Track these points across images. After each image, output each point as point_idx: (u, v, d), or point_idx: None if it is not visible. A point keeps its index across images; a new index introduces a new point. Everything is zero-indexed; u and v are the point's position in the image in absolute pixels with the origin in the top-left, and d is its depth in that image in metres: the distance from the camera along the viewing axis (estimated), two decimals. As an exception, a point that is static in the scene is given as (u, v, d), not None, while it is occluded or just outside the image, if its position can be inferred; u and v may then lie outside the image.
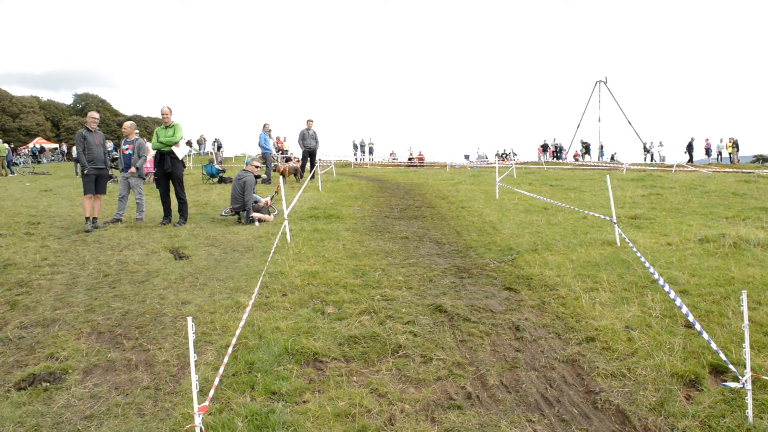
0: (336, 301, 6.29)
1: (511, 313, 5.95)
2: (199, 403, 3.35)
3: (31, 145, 55.06)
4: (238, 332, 4.71)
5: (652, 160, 45.86)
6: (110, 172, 13.10)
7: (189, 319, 3.45)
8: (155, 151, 11.86)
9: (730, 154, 41.35)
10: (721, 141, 42.38)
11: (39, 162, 48.11)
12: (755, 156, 48.51)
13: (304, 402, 4.16)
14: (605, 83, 56.47)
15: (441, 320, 5.73)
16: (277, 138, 30.63)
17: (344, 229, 10.72)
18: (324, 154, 30.78)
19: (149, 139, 16.92)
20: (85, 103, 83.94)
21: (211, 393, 3.72)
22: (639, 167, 33.50)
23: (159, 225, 11.39)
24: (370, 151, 49.27)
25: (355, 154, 48.28)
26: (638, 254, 6.60)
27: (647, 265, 6.03)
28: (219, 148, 45.16)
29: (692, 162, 40.40)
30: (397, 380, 4.54)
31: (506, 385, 4.45)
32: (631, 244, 7.34)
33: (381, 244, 9.41)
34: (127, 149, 12.41)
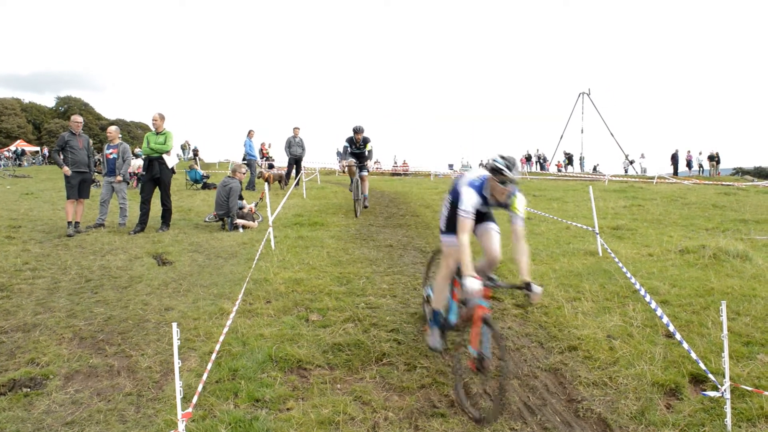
0: (320, 309, 6.29)
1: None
2: (182, 410, 3.34)
3: (12, 147, 54.43)
4: (221, 339, 4.71)
5: (626, 172, 46.40)
6: (93, 177, 12.97)
7: (174, 325, 3.45)
8: (145, 156, 11.78)
9: (709, 167, 41.87)
10: (701, 154, 42.94)
11: (20, 165, 47.57)
12: (735, 169, 49.20)
13: (287, 409, 4.16)
14: (588, 95, 57.06)
15: (425, 328, 5.75)
16: (262, 144, 30.53)
17: (329, 237, 10.72)
18: (309, 161, 30.71)
19: (133, 144, 16.75)
20: (68, 106, 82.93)
21: (195, 400, 3.71)
22: (621, 178, 33.84)
23: (131, 234, 11.06)
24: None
25: (339, 162, 48.31)
26: (620, 265, 6.68)
27: (629, 275, 6.11)
28: (195, 154, 44.72)
29: (676, 174, 40.88)
30: (381, 388, 4.56)
31: (489, 393, 4.48)
32: (613, 255, 7.43)
33: (365, 251, 9.41)
34: (111, 153, 12.32)
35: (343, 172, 15.54)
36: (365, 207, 14.46)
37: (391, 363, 4.97)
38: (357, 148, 13.82)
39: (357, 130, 13.66)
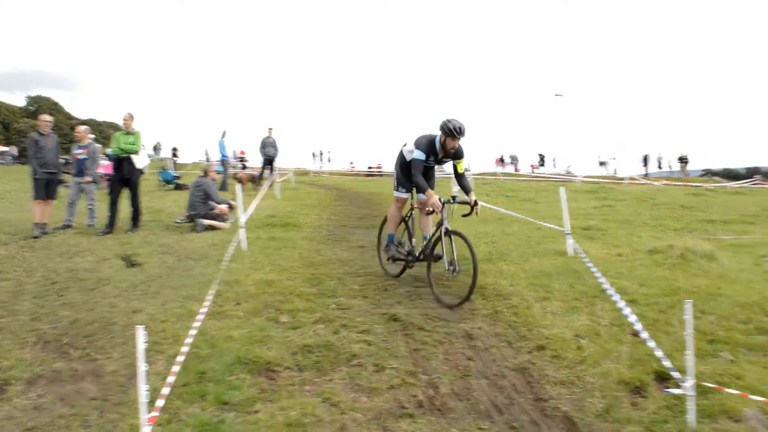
0: (291, 310, 6.25)
1: (464, 321, 6.01)
2: (147, 414, 3.30)
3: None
4: (189, 341, 4.65)
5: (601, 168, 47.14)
6: (61, 177, 12.76)
7: (139, 327, 3.40)
8: (114, 156, 11.65)
9: (679, 168, 42.65)
10: (670, 155, 43.74)
11: (-13, 165, 46.58)
12: (704, 170, 50.14)
13: (255, 412, 4.12)
14: (562, 96, 57.70)
15: (395, 329, 5.76)
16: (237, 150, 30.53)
17: (301, 238, 10.68)
18: (283, 162, 30.55)
19: (105, 145, 16.53)
20: (38, 105, 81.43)
21: (161, 403, 3.66)
22: (593, 179, 34.22)
23: (99, 235, 10.90)
24: (328, 161, 49.59)
25: (314, 163, 48.42)
26: (589, 264, 6.75)
27: (598, 275, 6.17)
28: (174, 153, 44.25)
29: (647, 175, 41.55)
30: (349, 389, 4.54)
31: (458, 393, 4.49)
32: (583, 255, 7.50)
33: (338, 252, 9.40)
34: (80, 154, 12.14)
35: (408, 213, 7.86)
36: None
37: (360, 364, 4.95)
38: (437, 162, 7.29)
39: (457, 131, 6.81)
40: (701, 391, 4.23)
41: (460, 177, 7.25)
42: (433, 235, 7.13)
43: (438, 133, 7.01)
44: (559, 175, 44.63)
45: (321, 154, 50.06)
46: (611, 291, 5.50)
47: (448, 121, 6.85)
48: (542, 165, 52.02)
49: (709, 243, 9.68)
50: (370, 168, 47.94)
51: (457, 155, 7.16)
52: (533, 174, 46.42)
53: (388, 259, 7.89)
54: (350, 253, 9.38)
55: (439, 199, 6.75)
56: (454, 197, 7.04)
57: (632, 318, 4.82)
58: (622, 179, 33.58)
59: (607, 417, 4.09)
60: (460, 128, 6.85)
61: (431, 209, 6.96)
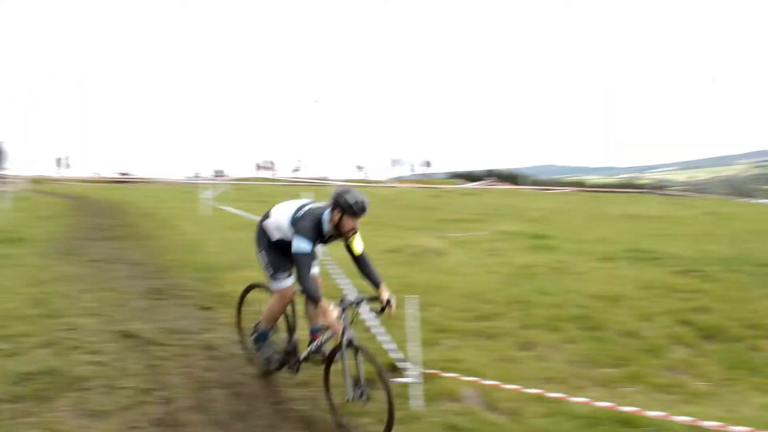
0: (9, 336, 5.53)
1: (204, 332, 5.90)
2: None
3: None
4: None
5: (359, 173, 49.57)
6: None
7: None
8: None
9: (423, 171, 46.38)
10: (416, 159, 47.46)
11: None
12: (450, 173, 55.28)
13: (-41, 457, 3.63)
14: (319, 103, 59.47)
15: (130, 346, 5.44)
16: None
17: (29, 254, 9.57)
18: (15, 168, 27.28)
19: None
20: None
21: None
22: (350, 183, 35.75)
23: None
24: (67, 167, 46.05)
25: (57, 169, 44.43)
26: (330, 267, 7.02)
27: (337, 276, 6.46)
28: None
29: (397, 178, 44.58)
30: (77, 416, 4.19)
31: (196, 406, 4.41)
32: (326, 258, 7.78)
33: (70, 268, 8.58)
34: None
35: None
36: None
37: (89, 387, 4.58)
38: (324, 242, 5.02)
39: (360, 208, 4.53)
40: (428, 377, 4.67)
41: (359, 261, 4.98)
42: (329, 339, 4.89)
43: (325, 208, 4.82)
44: (318, 179, 46.01)
45: (59, 159, 46.13)
46: (348, 291, 5.79)
47: (346, 193, 4.63)
48: (297, 170, 53.28)
49: (441, 241, 10.68)
50: (123, 174, 45.46)
51: (354, 233, 4.85)
52: (291, 179, 47.31)
53: (260, 358, 5.30)
54: (85, 268, 8.65)
55: (338, 314, 4.49)
56: (359, 300, 4.79)
57: (367, 315, 5.13)
58: (374, 182, 35.59)
59: (343, 411, 4.30)
60: (363, 205, 4.59)
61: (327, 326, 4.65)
